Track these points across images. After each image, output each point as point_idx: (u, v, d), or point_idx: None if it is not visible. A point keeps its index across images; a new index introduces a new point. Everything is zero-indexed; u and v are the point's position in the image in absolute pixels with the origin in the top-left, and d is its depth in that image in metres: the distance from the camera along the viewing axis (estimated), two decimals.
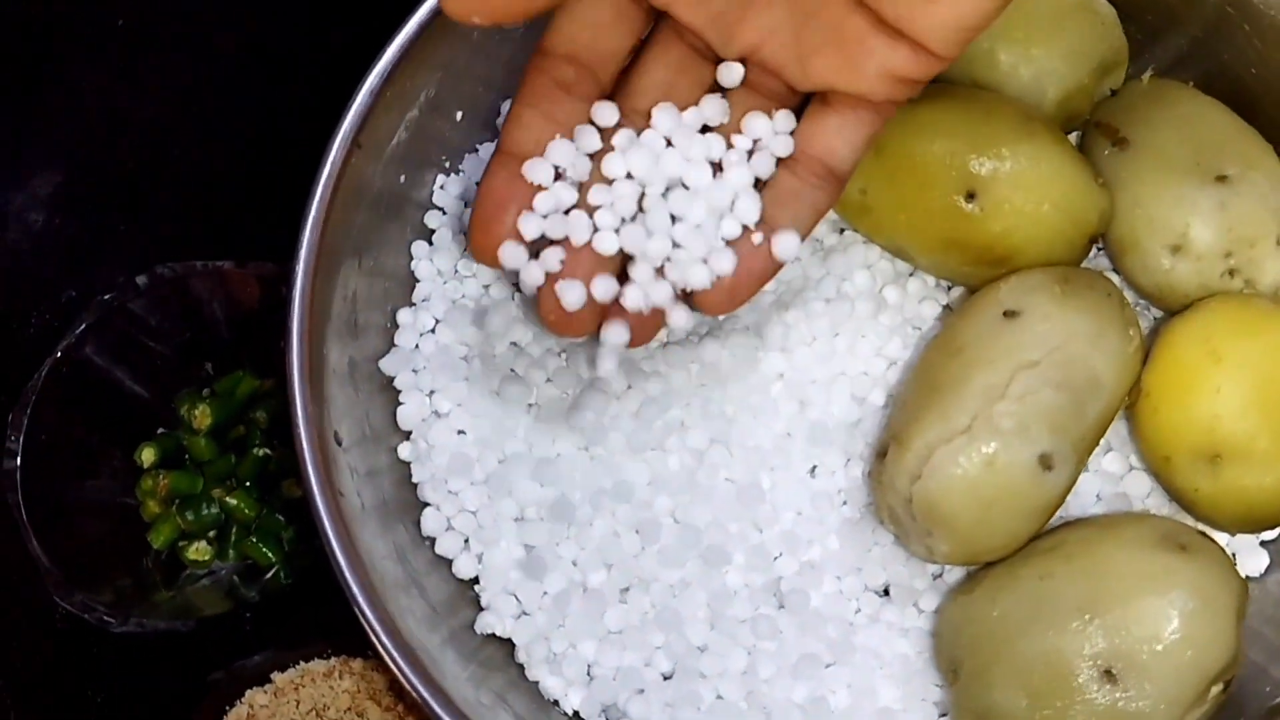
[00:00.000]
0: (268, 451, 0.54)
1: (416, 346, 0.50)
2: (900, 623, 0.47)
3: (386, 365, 0.49)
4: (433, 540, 0.48)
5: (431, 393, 0.49)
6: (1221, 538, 0.46)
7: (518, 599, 0.47)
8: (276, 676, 0.49)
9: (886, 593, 0.47)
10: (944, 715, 0.46)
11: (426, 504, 0.48)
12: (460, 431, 0.49)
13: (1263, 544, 0.47)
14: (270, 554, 0.53)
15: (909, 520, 0.43)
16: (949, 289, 0.50)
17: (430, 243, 0.52)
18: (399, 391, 0.49)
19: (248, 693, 0.49)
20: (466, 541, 0.48)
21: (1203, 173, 0.45)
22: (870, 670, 0.46)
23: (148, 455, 0.54)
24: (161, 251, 0.55)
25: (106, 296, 0.53)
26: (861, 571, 0.47)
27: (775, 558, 0.47)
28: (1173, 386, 0.43)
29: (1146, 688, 0.40)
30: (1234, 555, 0.47)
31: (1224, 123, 0.47)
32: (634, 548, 0.47)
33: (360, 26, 0.49)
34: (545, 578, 0.47)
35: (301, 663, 0.49)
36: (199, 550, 0.53)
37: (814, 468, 0.48)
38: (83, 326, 0.52)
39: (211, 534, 0.53)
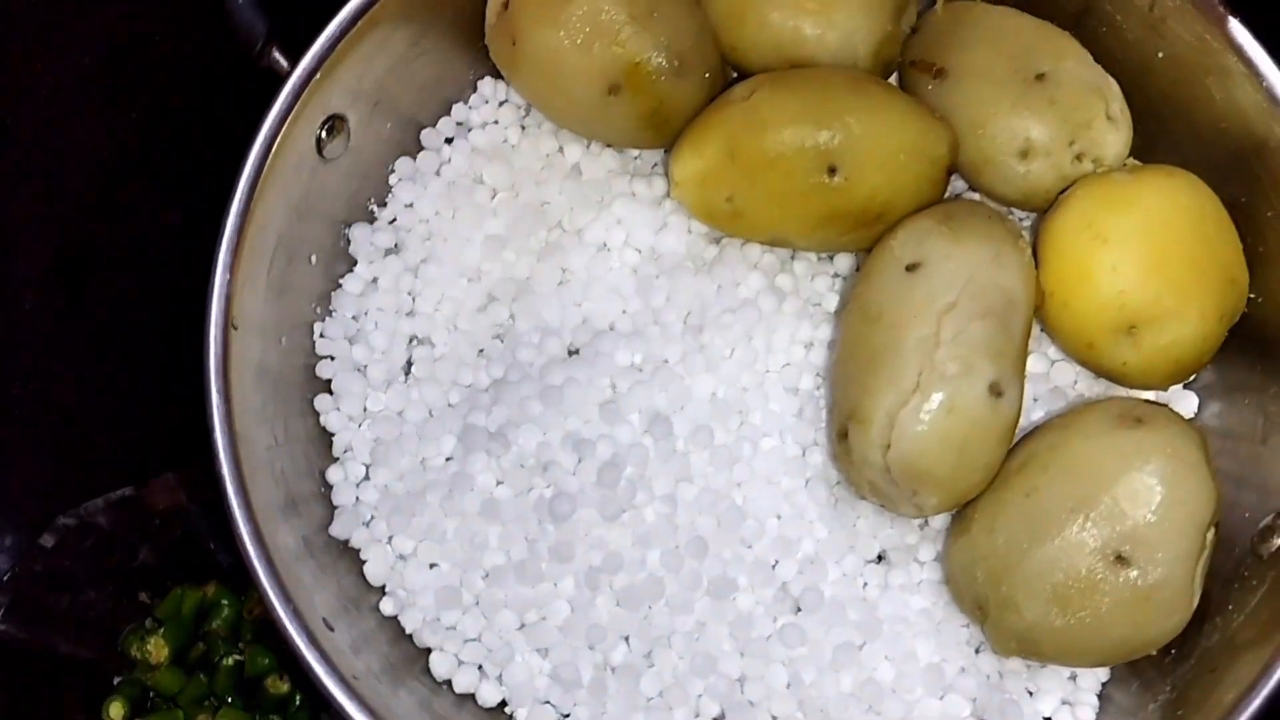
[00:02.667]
0: (237, 657, 0.52)
1: (356, 500, 0.49)
2: (910, 581, 0.48)
3: (337, 530, 0.48)
4: (449, 681, 0.47)
5: (390, 538, 0.48)
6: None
7: (553, 706, 0.46)
8: None
9: (882, 559, 0.49)
10: (978, 650, 0.47)
11: (429, 649, 0.47)
12: (433, 565, 0.48)
13: (1186, 387, 0.50)
14: None
15: (892, 487, 0.45)
16: (831, 258, 0.52)
17: (331, 392, 0.50)
18: (358, 550, 0.48)
19: None
20: (481, 669, 0.47)
21: (1022, 77, 0.48)
22: (901, 636, 0.47)
23: (116, 711, 0.51)
24: (50, 499, 0.52)
25: (4, 576, 0.49)
26: (855, 548, 0.48)
27: (774, 565, 0.48)
28: (1072, 279, 0.46)
29: (1157, 557, 0.42)
30: (1167, 406, 0.50)
31: (1024, 25, 0.49)
32: (643, 610, 0.47)
33: (188, 209, 0.48)
34: (573, 691, 0.46)
35: None
36: None
37: (777, 468, 0.49)
38: None
39: None
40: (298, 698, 0.51)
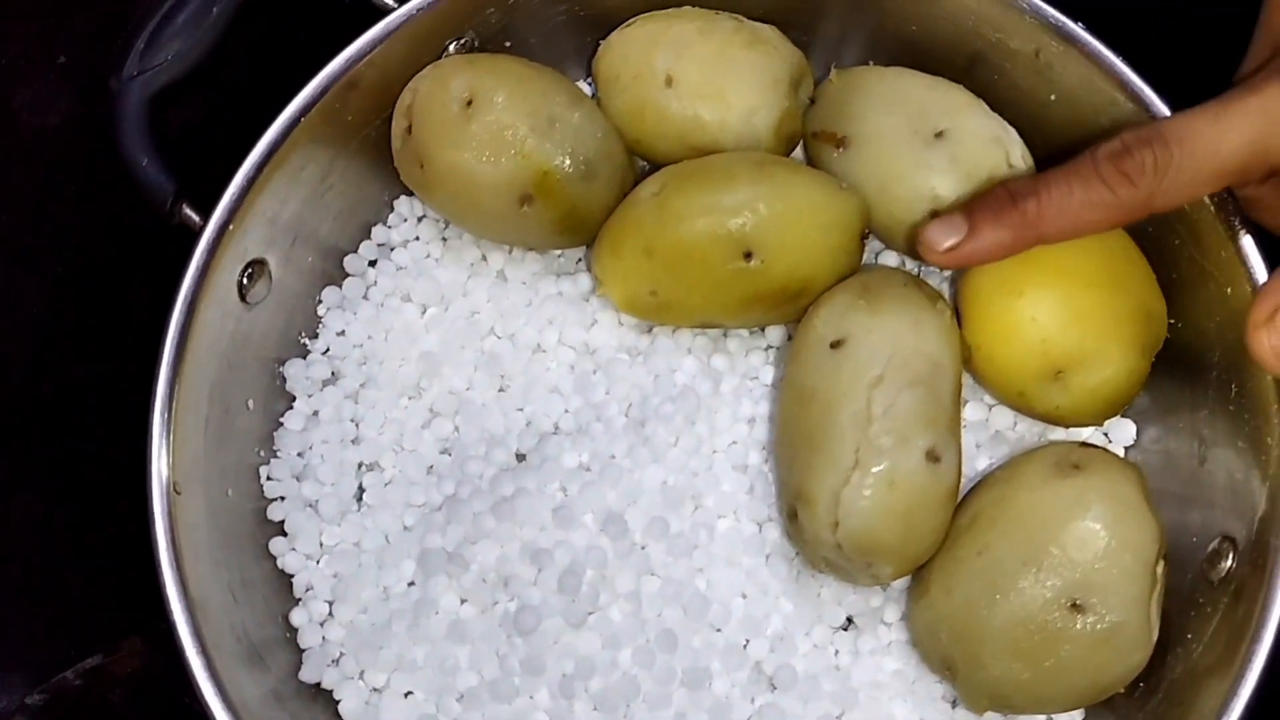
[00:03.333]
0: None
1: (323, 640, 0.49)
2: (879, 644, 0.49)
3: (307, 674, 0.48)
4: None
5: (362, 673, 0.48)
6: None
7: None
8: None
9: (850, 624, 0.49)
10: (954, 704, 0.48)
11: None
12: (408, 693, 0.48)
13: (1122, 415, 0.51)
14: None
15: (846, 562, 0.45)
16: (763, 331, 0.52)
17: (285, 534, 0.50)
18: (331, 692, 0.48)
19: None
20: None
21: (923, 137, 0.49)
22: (878, 700, 0.48)
23: None
24: (13, 671, 0.51)
25: None
26: (822, 618, 0.49)
27: (745, 645, 0.49)
28: (995, 333, 0.47)
29: (1111, 601, 0.43)
30: (1106, 434, 0.51)
31: (918, 85, 0.50)
32: (620, 710, 0.47)
33: (123, 367, 0.47)
34: None
35: None
36: None
37: (736, 548, 0.50)
38: None
39: None
40: None
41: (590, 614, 0.48)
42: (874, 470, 0.43)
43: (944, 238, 0.43)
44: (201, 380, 0.47)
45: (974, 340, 0.47)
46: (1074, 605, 0.43)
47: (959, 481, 0.46)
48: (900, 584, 0.49)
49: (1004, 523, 0.44)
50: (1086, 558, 0.43)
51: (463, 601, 0.49)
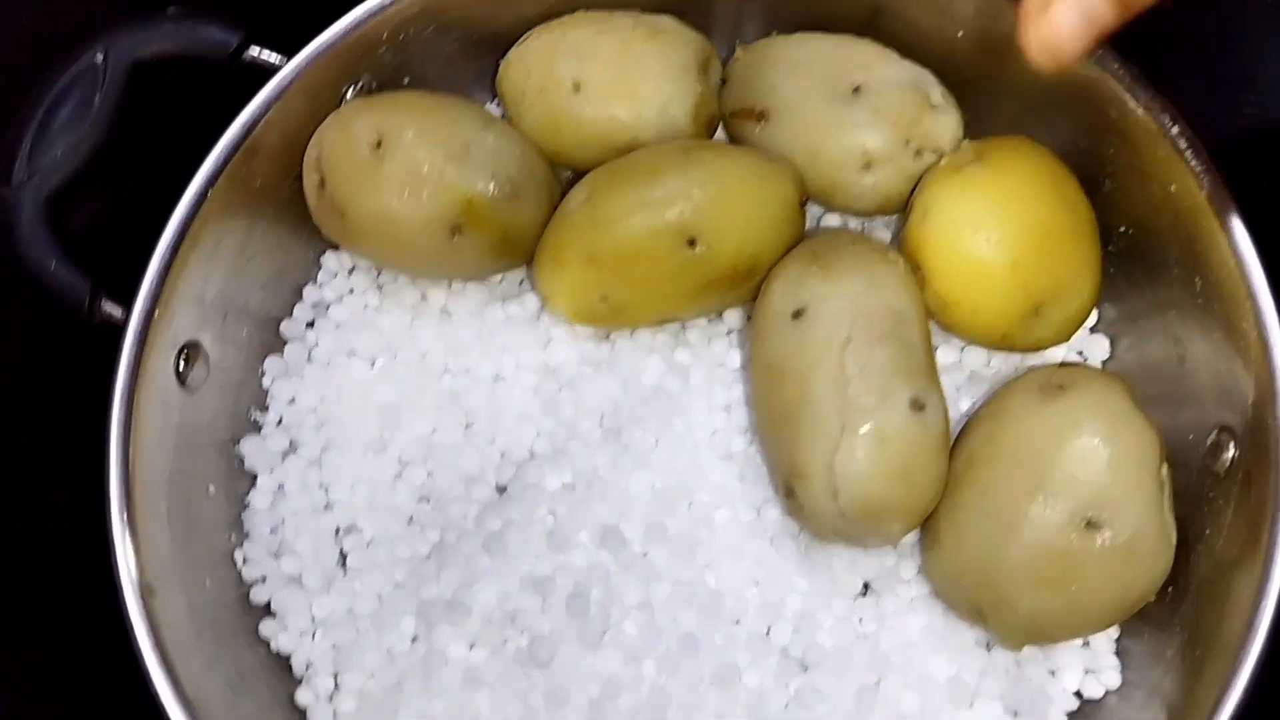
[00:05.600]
0: None
1: (335, 715, 0.47)
2: (902, 604, 0.48)
3: None
4: None
5: None
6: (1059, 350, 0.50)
7: None
8: None
9: (868, 589, 0.48)
10: (989, 647, 0.47)
11: None
12: None
13: (1093, 330, 0.51)
14: None
15: (853, 528, 0.44)
16: (721, 316, 0.51)
17: (273, 614, 0.48)
18: None
19: None
20: None
21: (840, 96, 0.48)
22: (913, 661, 0.47)
23: None
24: None
25: None
26: (839, 589, 0.48)
27: (768, 633, 0.47)
28: (972, 286, 0.46)
29: (1124, 513, 0.42)
30: (1081, 354, 0.51)
31: (824, 46, 0.50)
32: None
33: (72, 482, 0.45)
34: None
35: None
36: None
37: (738, 538, 0.48)
38: None
39: None
40: None
41: (605, 633, 0.46)
42: (862, 431, 0.43)
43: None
44: (155, 476, 0.45)
45: (950, 295, 0.46)
46: (1088, 524, 0.42)
47: (948, 427, 0.45)
48: (911, 538, 0.48)
49: (1001, 458, 0.44)
50: (1091, 475, 0.42)
51: (471, 647, 0.47)
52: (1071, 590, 0.42)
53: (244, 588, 0.48)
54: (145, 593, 0.43)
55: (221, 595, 0.47)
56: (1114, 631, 0.47)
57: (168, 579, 0.44)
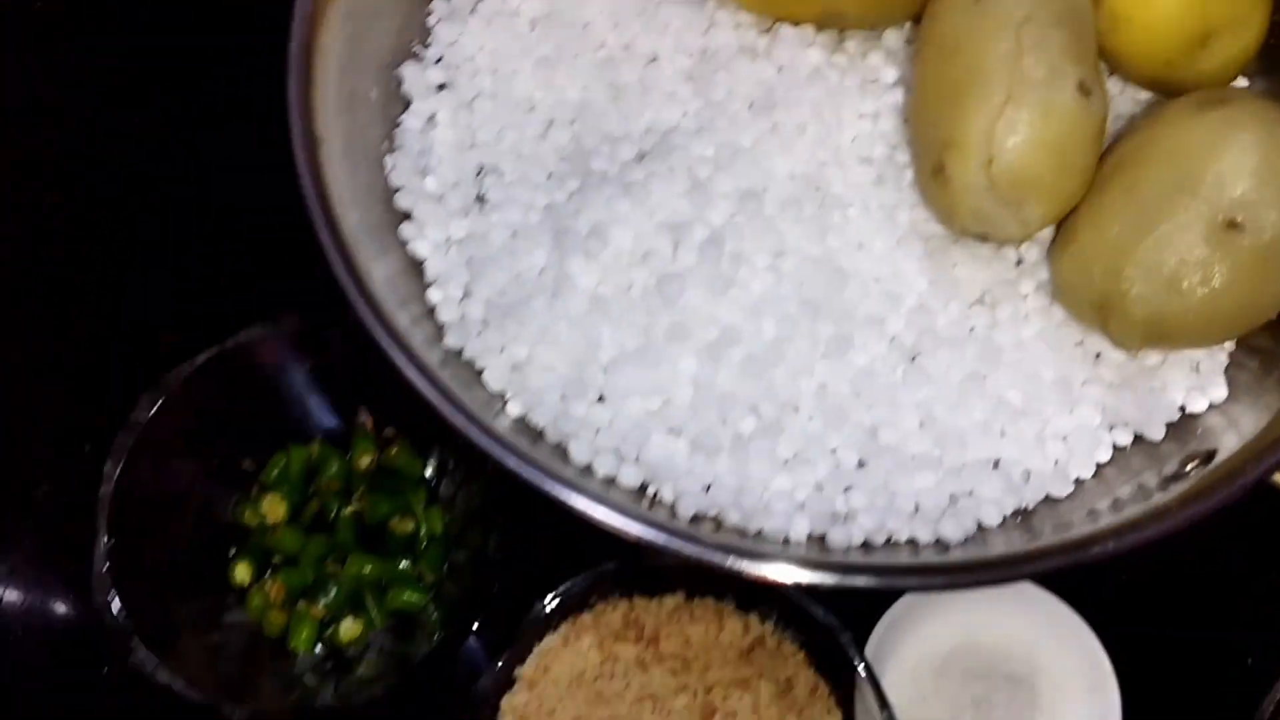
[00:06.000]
0: (355, 508, 0.51)
1: (462, 316, 0.48)
2: (1017, 314, 0.49)
3: (451, 341, 0.47)
4: (612, 480, 0.46)
5: (503, 348, 0.47)
6: None
7: (695, 477, 0.46)
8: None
9: (984, 300, 0.49)
10: (1098, 357, 0.48)
11: (564, 442, 0.46)
12: (550, 366, 0.47)
13: None
14: (415, 596, 0.49)
15: (997, 207, 0.45)
16: (879, 36, 0.52)
17: (412, 219, 0.50)
18: (473, 362, 0.47)
19: None
20: (619, 452, 0.46)
21: None
22: (1022, 361, 0.48)
23: (242, 572, 0.49)
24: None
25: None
26: (958, 293, 0.49)
27: (883, 321, 0.48)
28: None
29: (1268, 217, 0.43)
30: None
31: None
32: (765, 378, 0.47)
33: None
34: (715, 459, 0.46)
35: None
36: (349, 629, 0.49)
37: (868, 233, 0.49)
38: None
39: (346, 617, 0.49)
40: (422, 536, 0.50)
41: (731, 287, 0.48)
42: (1028, 101, 0.44)
43: None
44: (329, 50, 0.47)
45: (1124, 11, 0.47)
46: (1230, 224, 0.43)
47: (1106, 121, 0.46)
48: (1034, 257, 0.49)
49: (1153, 158, 0.45)
50: (1241, 178, 0.43)
51: (600, 282, 0.48)
52: (1200, 290, 0.43)
53: (390, 191, 0.50)
54: (311, 140, 0.44)
55: (371, 186, 0.49)
56: (1223, 358, 0.48)
57: (332, 138, 0.45)
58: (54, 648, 0.50)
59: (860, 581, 0.43)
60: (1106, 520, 0.44)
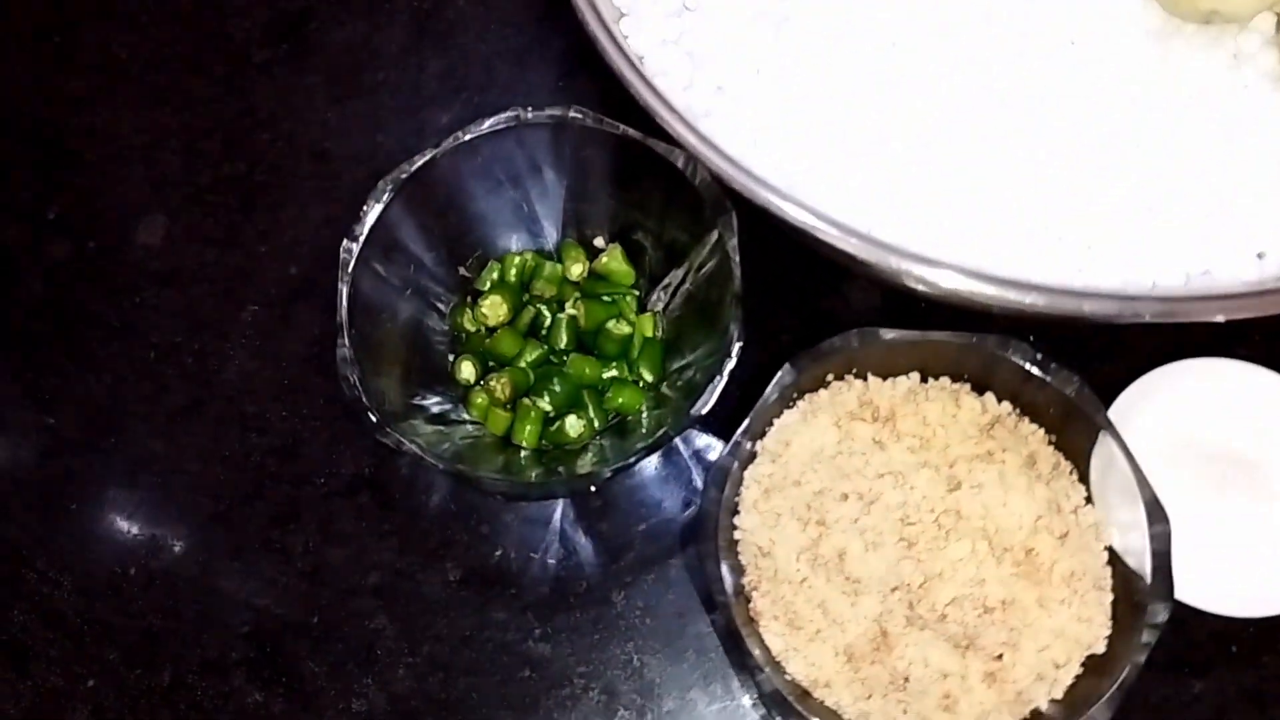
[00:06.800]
0: (572, 313, 0.50)
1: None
2: (1239, 102, 0.48)
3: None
4: None
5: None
6: None
7: None
8: None
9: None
10: None
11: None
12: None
13: None
14: (634, 397, 0.49)
15: None
16: None
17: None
18: None
19: None
20: None
21: None
22: (1249, 144, 0.47)
23: (466, 369, 0.49)
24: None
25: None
26: (1183, 80, 0.48)
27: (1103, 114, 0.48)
28: None
29: None
30: None
31: None
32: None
33: None
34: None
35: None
36: (574, 425, 0.48)
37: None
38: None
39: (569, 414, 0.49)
40: (636, 340, 0.50)
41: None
42: None
43: None
44: None
45: None
46: None
47: None
48: (1253, 47, 0.48)
49: None
50: None
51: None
52: None
53: None
54: None
55: None
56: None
57: None
58: None
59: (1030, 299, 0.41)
60: None
